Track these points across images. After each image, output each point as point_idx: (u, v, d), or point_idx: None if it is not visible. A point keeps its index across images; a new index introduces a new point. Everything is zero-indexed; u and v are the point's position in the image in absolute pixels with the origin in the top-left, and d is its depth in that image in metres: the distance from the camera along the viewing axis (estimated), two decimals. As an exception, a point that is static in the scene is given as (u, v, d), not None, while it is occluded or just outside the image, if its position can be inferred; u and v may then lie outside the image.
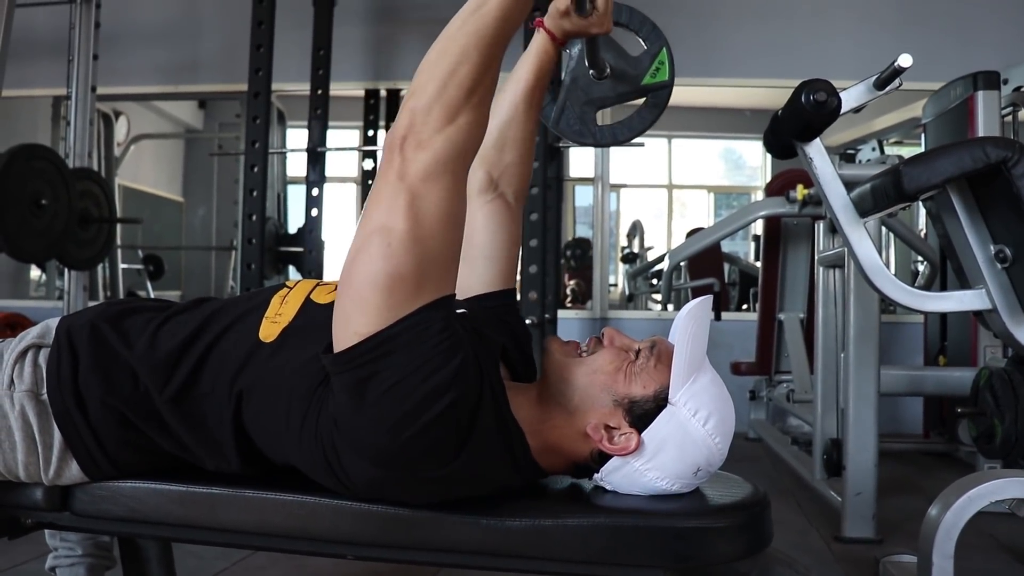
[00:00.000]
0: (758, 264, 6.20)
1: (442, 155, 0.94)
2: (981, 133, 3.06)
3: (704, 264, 4.94)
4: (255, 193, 3.33)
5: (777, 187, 3.20)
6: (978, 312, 1.93)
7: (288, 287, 1.19)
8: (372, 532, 1.08)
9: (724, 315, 4.03)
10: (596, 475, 1.11)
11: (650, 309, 6.94)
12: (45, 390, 1.13)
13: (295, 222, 5.32)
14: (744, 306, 5.66)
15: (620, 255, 7.07)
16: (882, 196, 1.78)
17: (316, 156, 3.83)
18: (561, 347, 1.14)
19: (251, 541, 1.18)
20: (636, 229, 7.29)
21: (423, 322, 0.95)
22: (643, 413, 1.06)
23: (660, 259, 6.60)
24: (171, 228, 7.61)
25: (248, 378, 1.09)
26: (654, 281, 6.90)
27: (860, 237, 1.87)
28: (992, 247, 1.78)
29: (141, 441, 1.13)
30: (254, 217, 3.33)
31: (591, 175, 4.76)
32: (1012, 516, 1.98)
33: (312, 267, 3.85)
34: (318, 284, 1.19)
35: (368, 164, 4.76)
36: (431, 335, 0.95)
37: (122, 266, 5.94)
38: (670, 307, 5.50)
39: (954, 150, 1.69)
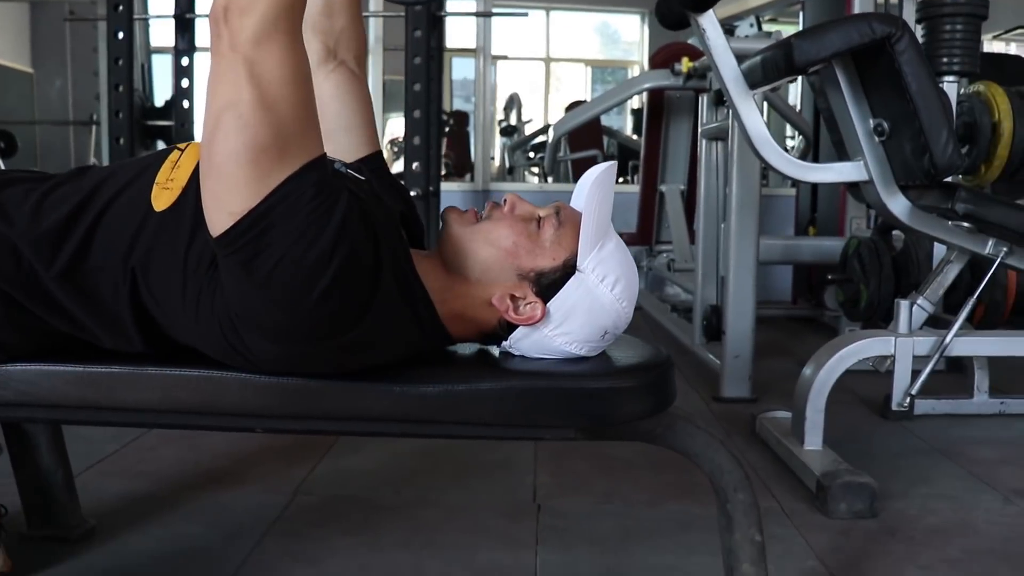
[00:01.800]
0: (635, 137, 6.31)
1: (269, 14, 0.89)
2: (857, 10, 3.14)
3: (584, 137, 4.96)
4: (120, 62, 3.09)
5: (660, 60, 3.22)
6: (852, 184, 2.03)
7: (180, 149, 1.12)
8: (282, 404, 1.06)
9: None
10: (504, 342, 1.12)
11: (527, 181, 6.98)
12: None
13: (160, 94, 5.01)
14: (622, 179, 5.76)
15: (498, 128, 7.03)
16: (772, 68, 1.82)
17: (185, 23, 3.57)
18: (459, 217, 1.12)
19: (154, 419, 1.15)
20: (513, 102, 7.25)
21: (295, 190, 0.92)
22: (550, 283, 1.08)
23: (540, 132, 6.61)
24: (21, 101, 7.02)
25: (141, 251, 1.04)
26: (531, 154, 6.92)
27: (749, 109, 1.91)
28: (871, 121, 1.86)
29: (29, 321, 1.07)
30: (120, 88, 3.10)
31: (469, 46, 4.64)
32: (869, 373, 2.14)
33: (183, 140, 3.64)
34: None
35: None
36: (305, 201, 0.92)
37: (-32, 143, 5.47)
38: (549, 179, 5.54)
39: (842, 25, 1.73)
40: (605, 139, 5.55)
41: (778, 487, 1.91)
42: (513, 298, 1.08)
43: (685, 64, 2.85)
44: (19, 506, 1.57)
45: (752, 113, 1.90)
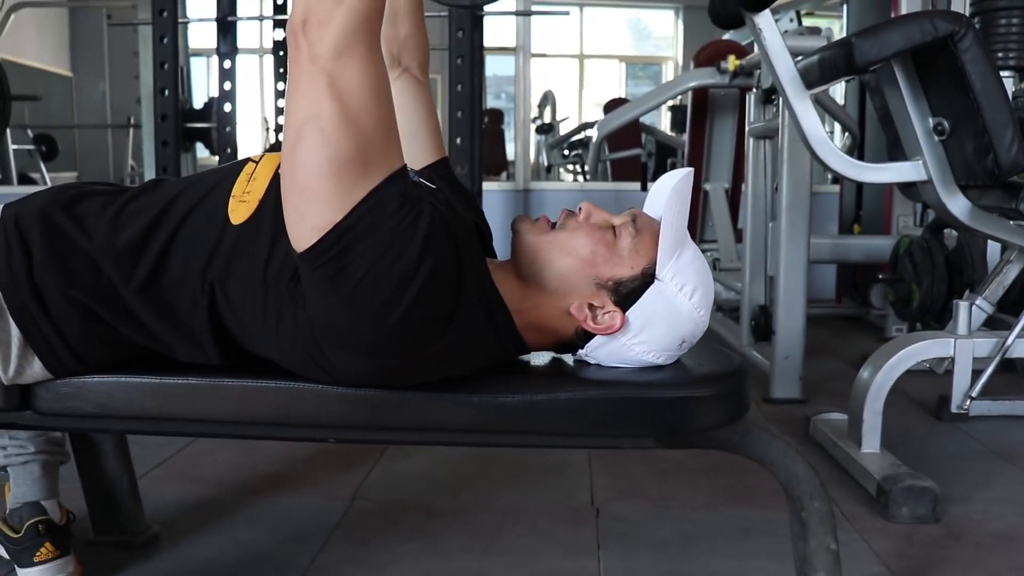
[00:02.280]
0: (672, 134, 6.27)
1: (348, 26, 0.89)
2: (904, 6, 3.09)
3: (623, 136, 4.93)
4: (166, 66, 3.11)
5: (705, 58, 3.19)
6: (906, 183, 2.00)
7: (254, 161, 1.12)
8: (360, 415, 1.07)
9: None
10: (581, 351, 1.12)
11: (561, 180, 6.96)
12: None
13: (199, 97, 5.05)
14: (650, 168, 5.74)
15: (533, 126, 7.01)
16: (830, 68, 1.80)
17: (226, 26, 3.60)
18: (532, 226, 1.12)
19: (230, 431, 1.16)
20: (548, 99, 7.22)
21: (379, 203, 0.92)
22: (629, 292, 1.07)
23: (578, 129, 6.58)
24: (61, 105, 7.11)
25: (220, 265, 1.04)
26: (566, 152, 6.91)
27: (806, 109, 1.89)
28: (931, 120, 1.83)
29: (107, 333, 1.08)
30: (166, 92, 3.12)
31: (501, 44, 4.62)
32: (921, 373, 2.11)
33: (227, 144, 3.68)
34: None
35: (279, 34, 4.51)
36: (389, 214, 0.92)
37: (12, 147, 5.55)
38: (581, 178, 5.46)
39: (904, 23, 1.70)
40: (643, 136, 5.52)
41: (836, 491, 1.88)
42: (591, 307, 1.07)
43: (732, 62, 2.82)
44: (84, 512, 1.59)
45: (809, 113, 1.88)
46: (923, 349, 1.95)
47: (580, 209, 1.12)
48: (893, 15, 3.43)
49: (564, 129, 7.15)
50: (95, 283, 1.06)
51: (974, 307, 1.98)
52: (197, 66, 5.48)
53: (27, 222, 1.07)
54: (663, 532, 1.69)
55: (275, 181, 1.07)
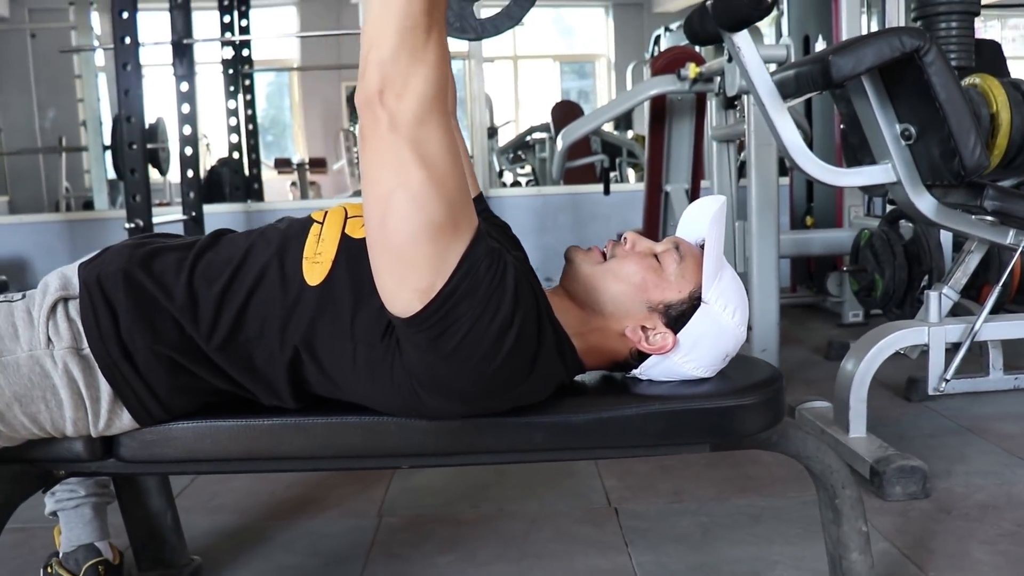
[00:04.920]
0: (616, 133, 6.42)
1: (425, 95, 0.93)
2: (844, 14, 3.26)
3: (576, 141, 5.04)
4: (130, 93, 3.10)
5: (662, 65, 3.31)
6: (877, 185, 2.15)
7: (318, 222, 1.18)
8: (443, 444, 1.15)
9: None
10: (635, 370, 1.22)
11: (504, 185, 7.05)
12: (86, 344, 1.10)
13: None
14: (613, 174, 5.87)
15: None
16: (807, 82, 1.93)
17: (182, 48, 3.58)
18: (585, 256, 1.21)
19: (316, 465, 1.22)
20: (487, 103, 7.30)
21: (473, 265, 0.98)
22: (679, 315, 1.17)
23: (528, 133, 6.68)
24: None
25: (302, 326, 1.10)
26: (512, 155, 7.00)
27: (784, 120, 2.02)
28: (898, 126, 1.98)
29: (194, 383, 1.13)
30: (132, 119, 3.11)
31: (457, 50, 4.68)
32: (888, 359, 2.24)
33: (191, 166, 3.66)
34: (347, 216, 1.19)
35: (228, 52, 4.51)
36: (482, 273, 0.98)
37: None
38: (525, 182, 5.43)
39: (874, 40, 1.84)
40: (591, 137, 5.65)
41: (830, 475, 2.02)
42: (644, 329, 1.17)
43: (692, 70, 2.95)
44: (126, 546, 1.63)
45: (788, 124, 2.01)
46: (900, 338, 2.10)
47: (625, 239, 1.21)
48: (833, 12, 3.61)
49: (503, 133, 7.25)
50: (179, 339, 1.11)
51: (942, 296, 2.14)
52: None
53: (110, 284, 1.11)
54: (683, 525, 1.80)
55: (344, 241, 1.14)
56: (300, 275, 1.12)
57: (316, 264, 1.12)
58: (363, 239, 1.08)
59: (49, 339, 1.10)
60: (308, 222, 1.19)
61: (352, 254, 1.12)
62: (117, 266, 1.13)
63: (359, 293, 1.08)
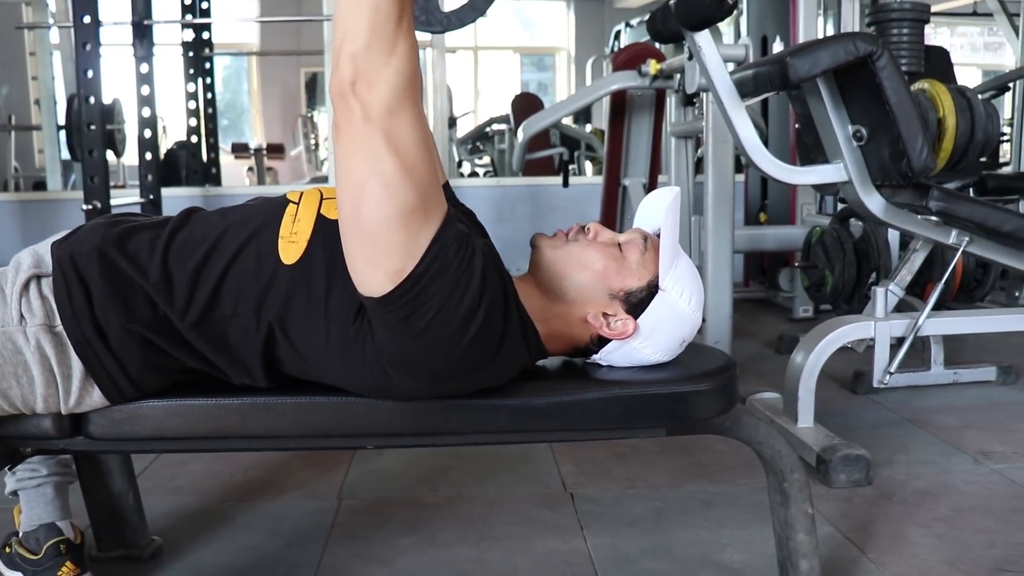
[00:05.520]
0: (575, 127, 6.48)
1: (397, 85, 0.96)
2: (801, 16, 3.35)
3: (536, 134, 5.08)
4: (90, 73, 3.06)
5: (623, 61, 3.36)
6: (828, 184, 2.23)
7: (294, 202, 1.20)
8: (408, 424, 1.18)
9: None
10: (595, 355, 1.26)
11: (462, 175, 7.08)
12: (59, 321, 1.11)
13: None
14: (571, 167, 5.92)
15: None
16: (765, 83, 1.99)
17: (143, 29, 3.55)
18: (550, 242, 1.25)
19: (283, 444, 1.24)
20: (447, 94, 7.31)
21: (442, 248, 1.02)
22: (638, 301, 1.22)
23: (488, 124, 6.71)
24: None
25: (277, 304, 1.12)
26: (470, 147, 7.02)
27: (742, 119, 2.08)
28: (850, 127, 2.05)
29: (165, 361, 1.15)
30: (91, 100, 3.07)
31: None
32: (836, 352, 2.33)
33: (150, 148, 3.62)
34: (323, 197, 1.21)
35: (188, 34, 4.47)
36: (451, 257, 1.02)
37: None
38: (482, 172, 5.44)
39: (830, 44, 1.91)
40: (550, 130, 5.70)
41: (778, 462, 2.10)
42: (605, 315, 1.22)
43: (653, 67, 3.00)
44: (86, 527, 1.63)
45: (745, 122, 2.07)
46: (848, 332, 2.18)
47: (589, 229, 1.26)
48: (791, 14, 3.69)
49: (462, 124, 7.27)
50: (152, 317, 1.13)
51: (888, 292, 2.23)
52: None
53: (84, 262, 1.12)
54: (636, 510, 1.86)
55: (319, 221, 1.16)
56: (276, 254, 1.14)
57: (292, 243, 1.15)
58: (337, 220, 1.11)
59: (22, 316, 1.11)
60: (284, 202, 1.21)
61: (327, 234, 1.14)
62: (91, 244, 1.14)
63: (333, 273, 1.11)
